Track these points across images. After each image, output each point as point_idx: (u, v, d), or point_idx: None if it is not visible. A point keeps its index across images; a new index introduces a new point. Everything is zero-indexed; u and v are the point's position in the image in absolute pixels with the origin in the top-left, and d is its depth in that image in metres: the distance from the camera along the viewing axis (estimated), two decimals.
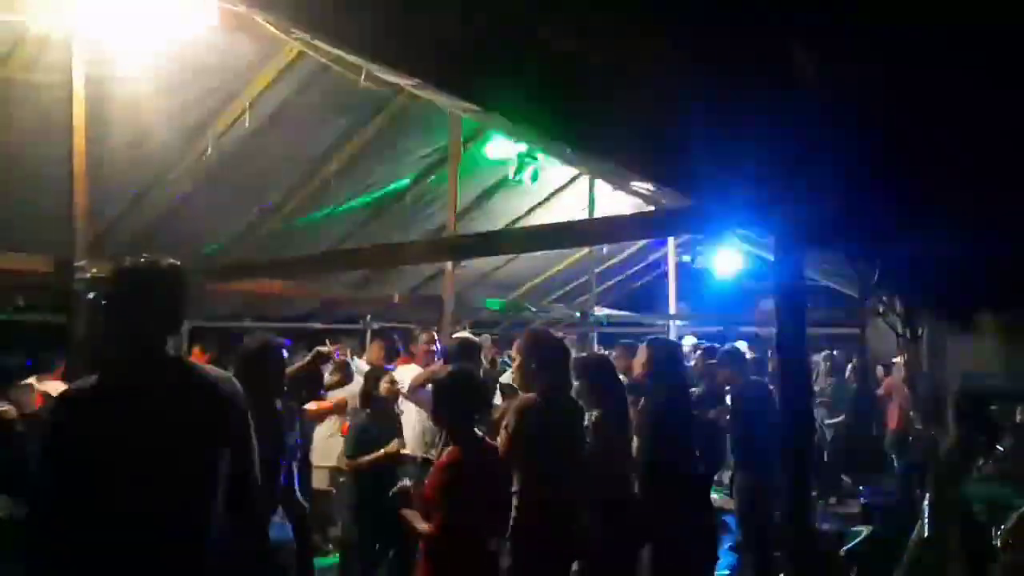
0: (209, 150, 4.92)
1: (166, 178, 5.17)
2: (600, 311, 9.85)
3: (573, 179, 8.08)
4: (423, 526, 2.68)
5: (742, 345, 7.32)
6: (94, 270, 3.90)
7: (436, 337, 5.36)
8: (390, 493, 2.84)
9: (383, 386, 4.51)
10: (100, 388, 1.91)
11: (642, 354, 4.49)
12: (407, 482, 2.92)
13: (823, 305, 8.98)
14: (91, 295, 3.72)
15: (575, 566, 3.48)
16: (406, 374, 4.95)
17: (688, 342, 8.17)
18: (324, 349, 3.84)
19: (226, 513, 2.00)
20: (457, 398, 2.78)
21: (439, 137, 6.20)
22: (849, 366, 8.27)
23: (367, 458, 4.17)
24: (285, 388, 3.19)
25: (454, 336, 4.25)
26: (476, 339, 4.30)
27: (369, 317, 8.70)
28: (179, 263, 2.05)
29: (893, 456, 6.48)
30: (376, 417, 4.47)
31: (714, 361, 5.60)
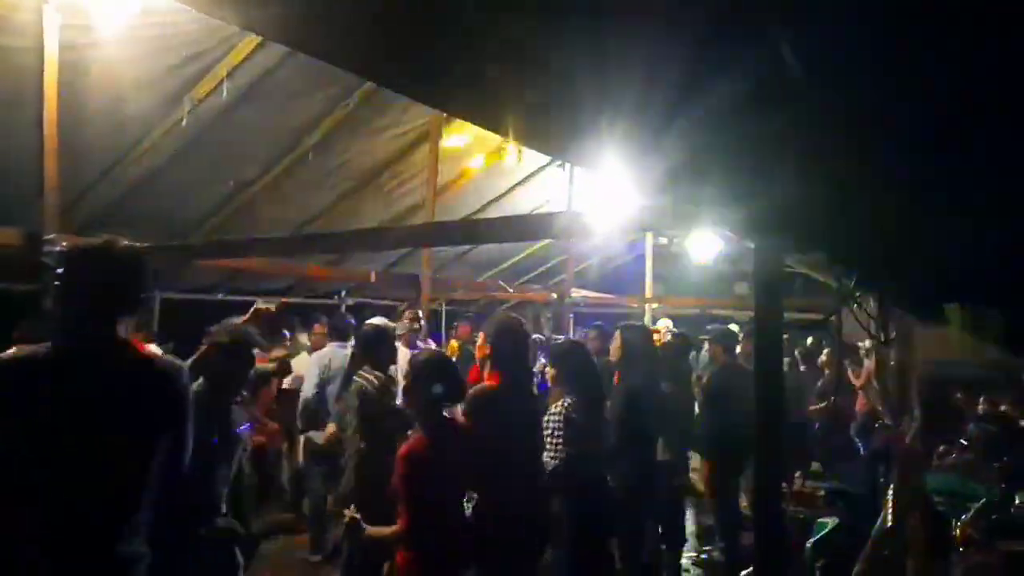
0: (184, 121, 4.84)
1: (139, 149, 5.07)
2: (576, 292, 9.91)
3: (554, 159, 8.07)
4: (392, 529, 2.69)
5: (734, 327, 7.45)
6: (64, 243, 3.85)
7: (420, 315, 5.38)
8: (344, 522, 2.76)
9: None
10: (41, 361, 1.89)
11: (616, 339, 4.57)
12: (351, 512, 2.81)
13: (797, 291, 9.11)
14: (60, 269, 3.66)
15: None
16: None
17: (663, 324, 8.24)
18: (262, 306, 3.80)
19: (159, 499, 2.00)
20: (428, 382, 2.79)
21: (420, 113, 6.15)
22: (825, 352, 8.39)
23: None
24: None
25: (367, 322, 4.26)
26: (391, 325, 4.27)
27: (344, 293, 8.69)
28: (135, 245, 2.05)
29: (860, 444, 6.64)
30: None
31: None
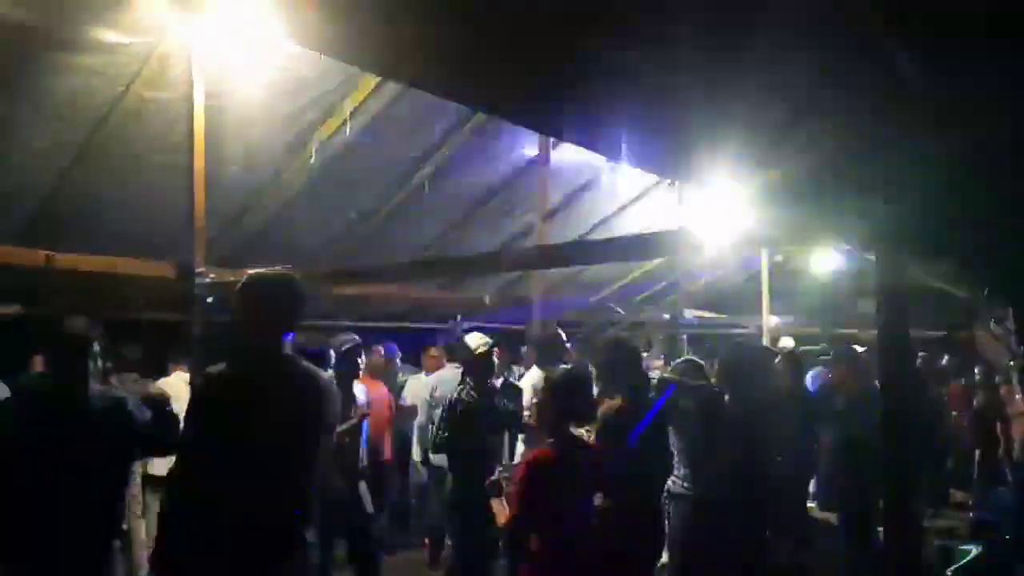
0: (312, 159, 5.20)
1: (274, 186, 5.48)
2: (689, 313, 9.72)
3: (660, 180, 8.01)
4: (504, 518, 2.80)
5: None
6: (212, 275, 4.21)
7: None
8: (486, 484, 2.96)
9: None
10: (232, 373, 2.27)
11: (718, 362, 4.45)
12: (499, 474, 3.03)
13: (930, 307, 8.57)
14: (209, 299, 4.02)
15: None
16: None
17: (785, 344, 7.90)
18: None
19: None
20: (559, 399, 2.85)
21: (530, 140, 6.30)
22: (977, 371, 7.76)
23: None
24: None
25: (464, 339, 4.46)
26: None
27: (459, 317, 8.93)
28: (296, 276, 2.42)
29: (1007, 469, 6.12)
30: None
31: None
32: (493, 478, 3.01)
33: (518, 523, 2.69)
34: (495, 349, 4.38)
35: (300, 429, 2.27)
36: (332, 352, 4.03)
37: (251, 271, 2.36)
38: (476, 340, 4.39)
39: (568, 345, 4.47)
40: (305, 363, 2.40)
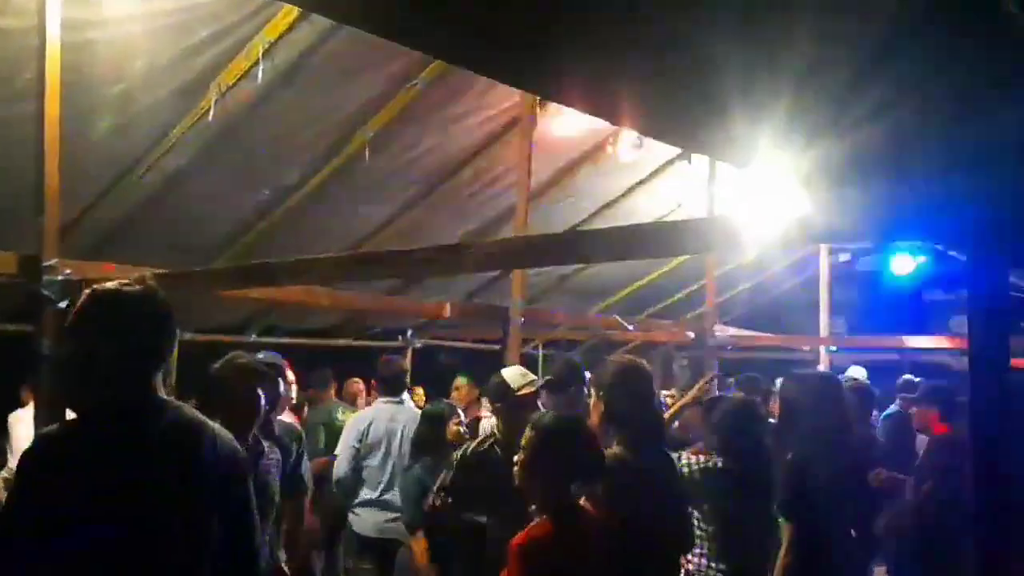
0: (211, 115, 5.16)
1: (156, 151, 5.44)
2: (721, 330, 9.80)
3: (682, 154, 8.06)
4: None
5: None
6: (67, 271, 4.16)
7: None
8: None
9: (451, 428, 4.68)
10: (76, 437, 2.17)
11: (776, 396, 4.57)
12: None
13: None
14: (63, 304, 3.97)
15: None
16: None
17: (854, 374, 8.04)
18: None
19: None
20: (555, 455, 2.83)
21: (507, 95, 6.31)
22: None
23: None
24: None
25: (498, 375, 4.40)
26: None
27: (411, 332, 8.94)
28: (155, 287, 2.26)
29: None
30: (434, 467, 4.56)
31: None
32: None
33: None
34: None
35: (172, 506, 2.14)
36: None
37: (94, 286, 2.23)
38: (518, 377, 4.22)
39: (586, 377, 4.43)
40: (187, 410, 2.27)
